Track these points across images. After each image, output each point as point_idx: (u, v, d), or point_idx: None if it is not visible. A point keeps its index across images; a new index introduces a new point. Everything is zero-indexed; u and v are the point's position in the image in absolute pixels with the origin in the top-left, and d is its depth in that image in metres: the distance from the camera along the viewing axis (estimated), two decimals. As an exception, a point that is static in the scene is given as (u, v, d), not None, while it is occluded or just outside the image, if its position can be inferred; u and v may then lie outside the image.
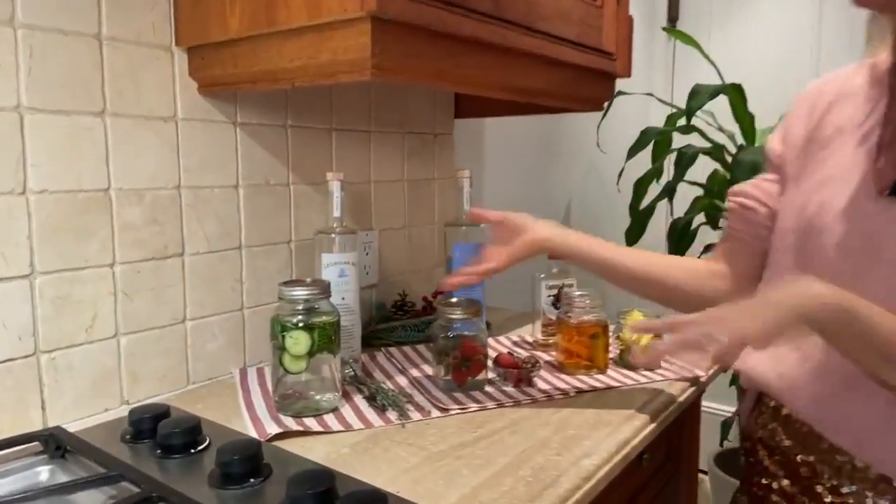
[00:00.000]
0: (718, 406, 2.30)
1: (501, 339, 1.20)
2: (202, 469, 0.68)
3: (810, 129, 0.80)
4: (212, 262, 0.97)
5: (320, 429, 0.80)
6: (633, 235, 1.95)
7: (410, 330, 1.16)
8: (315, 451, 0.74)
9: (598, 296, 1.03)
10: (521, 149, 1.84)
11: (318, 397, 0.85)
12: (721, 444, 1.94)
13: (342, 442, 0.77)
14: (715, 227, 1.89)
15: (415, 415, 0.85)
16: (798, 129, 0.81)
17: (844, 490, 0.68)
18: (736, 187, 0.88)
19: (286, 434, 0.78)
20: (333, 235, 0.98)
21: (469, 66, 0.89)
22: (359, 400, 0.90)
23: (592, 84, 1.17)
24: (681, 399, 0.94)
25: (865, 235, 0.69)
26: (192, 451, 0.72)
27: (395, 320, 1.19)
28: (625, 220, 1.97)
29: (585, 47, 1.09)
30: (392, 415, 0.84)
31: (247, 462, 0.65)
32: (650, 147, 1.90)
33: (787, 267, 0.76)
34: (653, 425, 0.85)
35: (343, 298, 0.97)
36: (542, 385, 0.95)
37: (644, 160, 1.94)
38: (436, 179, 1.40)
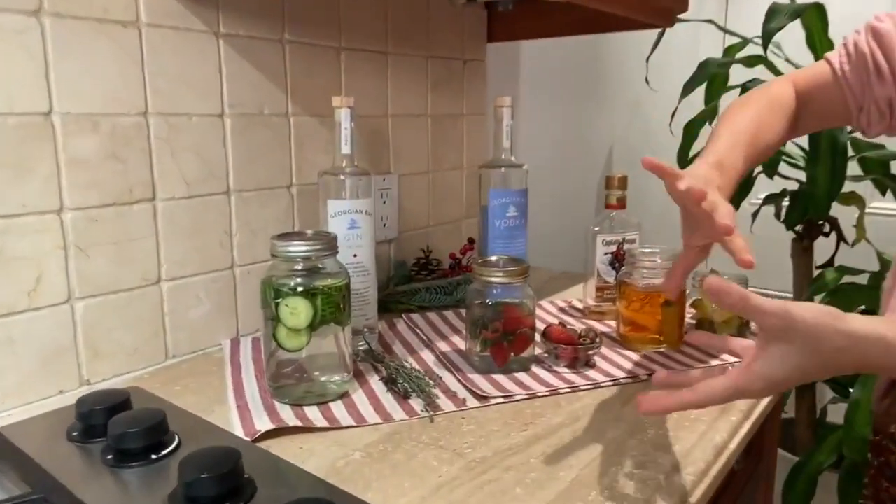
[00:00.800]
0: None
1: (545, 304, 1.01)
2: (164, 484, 0.50)
3: None
4: (193, 209, 0.78)
5: (325, 423, 0.62)
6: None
7: (436, 293, 0.97)
8: (317, 458, 0.57)
9: (670, 254, 0.82)
10: (558, 84, 1.61)
11: (323, 379, 0.67)
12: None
13: (353, 443, 0.59)
14: (772, 175, 1.66)
15: (446, 404, 0.66)
16: None
17: None
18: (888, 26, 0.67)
19: (281, 430, 0.60)
20: (342, 177, 0.78)
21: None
22: (374, 382, 0.72)
23: (665, -8, 0.94)
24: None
25: None
26: (154, 456, 0.54)
27: (418, 281, 1.00)
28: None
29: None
30: (416, 404, 0.66)
31: (220, 482, 0.47)
32: (702, 87, 1.65)
33: None
34: (749, 423, 0.66)
35: (355, 255, 0.78)
36: (603, 365, 0.76)
37: (695, 101, 1.70)
38: (465, 115, 1.18)
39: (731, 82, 1.66)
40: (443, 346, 0.82)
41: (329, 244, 0.67)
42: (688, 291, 0.84)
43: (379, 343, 0.83)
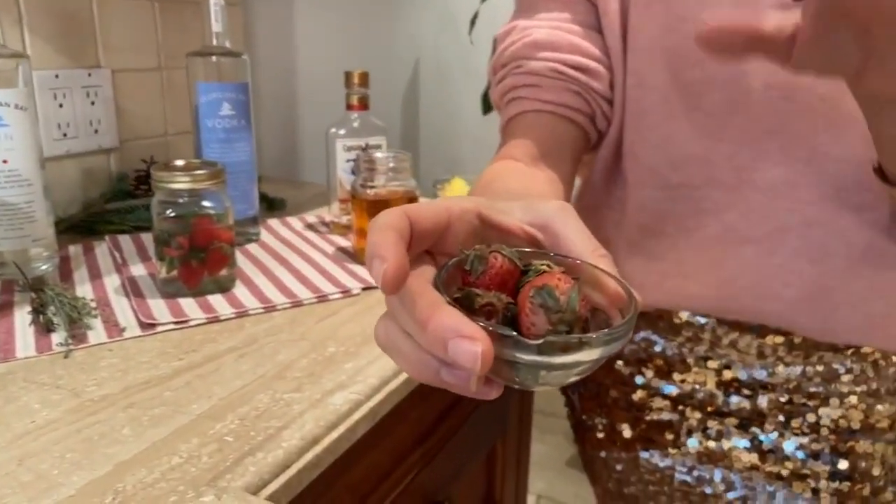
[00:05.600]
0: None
1: (292, 220, 0.91)
2: None
3: None
4: None
5: (-86, 368, 0.49)
6: (490, 101, 1.68)
7: (158, 210, 0.83)
8: None
9: (405, 158, 0.75)
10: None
11: (-61, 315, 0.53)
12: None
13: (-59, 389, 0.47)
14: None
15: (98, 335, 0.55)
16: None
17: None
18: (539, 36, 0.55)
19: None
20: (-24, 60, 0.61)
21: None
22: (21, 316, 0.59)
23: None
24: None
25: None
26: None
27: (139, 198, 0.86)
28: (485, 82, 1.68)
29: None
30: (57, 337, 0.55)
31: None
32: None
33: (682, 138, 0.52)
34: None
35: (6, 161, 0.63)
36: (317, 281, 0.69)
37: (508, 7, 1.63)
38: (210, 4, 1.02)
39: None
40: (139, 269, 0.70)
41: (-81, 141, 0.51)
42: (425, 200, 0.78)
43: (59, 270, 0.69)
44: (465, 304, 0.25)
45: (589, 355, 0.24)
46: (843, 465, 0.55)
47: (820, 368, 0.54)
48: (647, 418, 0.62)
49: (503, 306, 0.26)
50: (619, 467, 0.66)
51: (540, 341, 0.23)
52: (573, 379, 0.26)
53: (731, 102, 0.51)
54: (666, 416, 0.61)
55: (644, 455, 0.63)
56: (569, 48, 0.55)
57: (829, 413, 0.54)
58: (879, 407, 0.54)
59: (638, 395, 0.62)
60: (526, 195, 0.40)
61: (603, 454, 0.67)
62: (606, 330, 0.24)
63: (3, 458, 0.40)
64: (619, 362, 0.63)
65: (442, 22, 1.81)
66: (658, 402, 0.61)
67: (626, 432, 0.64)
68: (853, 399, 0.54)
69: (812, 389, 0.54)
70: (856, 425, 0.54)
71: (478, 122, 1.79)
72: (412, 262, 0.26)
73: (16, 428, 0.43)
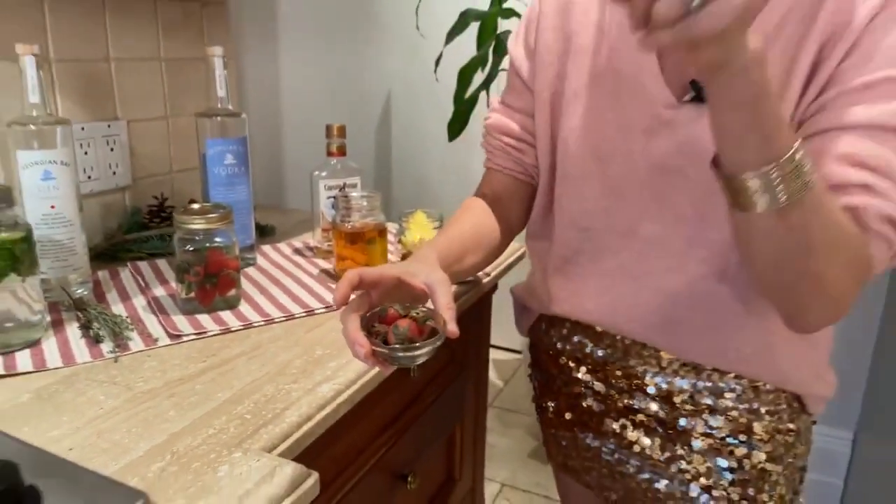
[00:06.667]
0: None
1: (281, 245, 1.07)
2: None
3: (568, 33, 0.71)
4: None
5: (2, 370, 0.65)
6: (455, 128, 1.85)
7: (169, 240, 0.99)
8: (-19, 403, 0.60)
9: (376, 197, 0.92)
10: (329, 25, 1.64)
11: (10, 330, 0.69)
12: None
13: (26, 386, 0.63)
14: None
15: (137, 344, 0.71)
16: (550, 32, 0.72)
17: (680, 381, 0.71)
18: (494, 120, 0.80)
19: (-47, 381, 0.62)
20: (33, 127, 0.77)
21: None
22: (73, 331, 0.74)
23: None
24: (459, 302, 0.88)
25: (683, 146, 0.63)
26: None
27: (152, 228, 1.02)
28: (450, 113, 1.86)
29: None
30: (106, 346, 0.71)
31: None
32: (478, 31, 1.77)
33: (593, 196, 0.71)
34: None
35: (53, 206, 0.79)
36: (304, 297, 0.85)
37: (472, 46, 1.81)
38: (207, 59, 1.18)
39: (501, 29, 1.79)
40: (160, 290, 0.86)
41: (1, 197, 0.67)
42: (395, 228, 0.95)
43: (94, 292, 0.85)
44: (371, 331, 0.56)
45: (413, 355, 0.54)
46: (730, 463, 0.69)
47: (709, 384, 0.69)
48: (582, 405, 0.79)
49: (385, 332, 0.56)
50: (563, 443, 0.83)
51: (391, 347, 0.54)
52: (418, 363, 0.55)
53: (627, 173, 0.69)
54: (595, 406, 0.78)
55: (581, 435, 0.80)
56: (510, 132, 0.78)
57: (716, 421, 0.69)
58: (756, 424, 0.68)
59: (574, 387, 0.79)
60: (447, 250, 0.67)
61: (553, 431, 0.85)
62: (414, 345, 0.54)
63: (85, 433, 0.56)
64: (563, 358, 0.80)
65: (410, 58, 1.99)
66: (589, 394, 0.78)
67: (567, 415, 0.81)
68: (734, 413, 0.69)
69: (703, 401, 0.70)
70: (741, 436, 0.69)
71: (443, 147, 1.97)
72: (361, 296, 0.56)
73: (89, 413, 0.59)
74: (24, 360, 0.67)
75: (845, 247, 0.53)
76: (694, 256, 0.66)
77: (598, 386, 0.77)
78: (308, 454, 0.60)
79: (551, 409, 0.84)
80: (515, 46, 0.77)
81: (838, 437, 1.80)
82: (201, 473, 0.51)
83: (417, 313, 0.58)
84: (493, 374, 2.44)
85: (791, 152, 0.47)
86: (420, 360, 0.56)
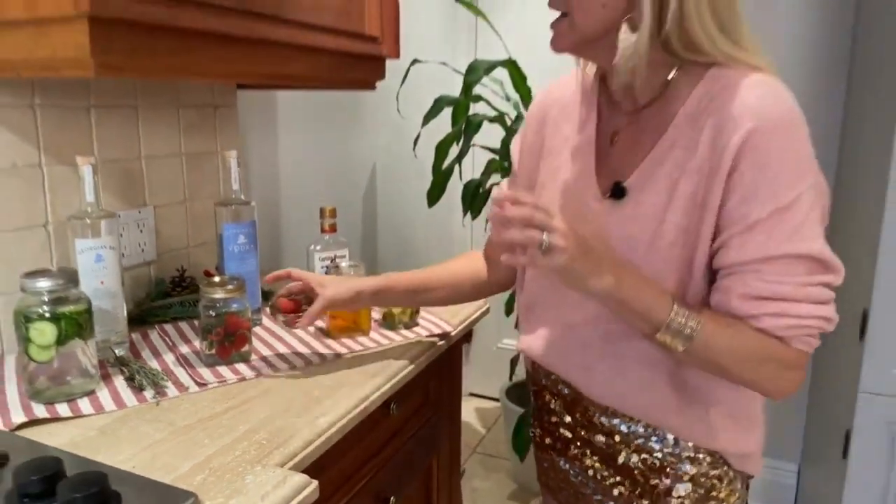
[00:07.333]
0: (509, 342, 2.58)
1: (283, 307, 1.28)
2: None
3: (543, 139, 0.93)
4: (-50, 252, 0.93)
5: (70, 414, 0.83)
6: (434, 195, 2.08)
7: (189, 305, 1.19)
8: (60, 437, 0.78)
9: (360, 266, 1.13)
10: (322, 114, 1.89)
11: (73, 383, 0.88)
12: (510, 378, 2.21)
13: (91, 425, 0.82)
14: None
15: (172, 391, 0.91)
16: (532, 137, 0.95)
17: (615, 421, 0.85)
18: (497, 193, 1.01)
19: (34, 422, 0.81)
20: (88, 221, 0.98)
21: (212, 59, 0.92)
22: (119, 382, 0.93)
23: (358, 67, 1.24)
24: (430, 351, 1.08)
25: (597, 233, 0.81)
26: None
27: (174, 296, 1.22)
28: (429, 182, 2.10)
29: (345, 33, 1.16)
30: (148, 393, 0.90)
31: (-27, 458, 0.67)
32: (451, 113, 2.02)
33: (540, 277, 0.92)
34: (394, 380, 0.98)
35: (102, 282, 0.99)
36: (302, 350, 1.05)
37: (448, 124, 2.06)
38: (219, 152, 1.41)
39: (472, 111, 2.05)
40: (184, 348, 1.06)
41: (69, 278, 0.87)
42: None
43: (130, 351, 1.04)
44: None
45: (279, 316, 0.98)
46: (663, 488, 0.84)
47: (640, 430, 0.84)
48: (557, 433, 0.95)
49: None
50: (545, 465, 0.99)
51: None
52: (281, 320, 0.99)
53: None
54: (566, 434, 0.93)
55: (556, 459, 0.96)
56: None
57: (647, 459, 0.84)
58: (681, 465, 0.83)
59: (552, 418, 0.95)
60: (408, 282, 0.99)
61: (539, 454, 1.01)
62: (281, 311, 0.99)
63: (143, 457, 0.75)
64: (545, 392, 0.95)
65: (393, 135, 2.25)
66: (562, 425, 0.93)
67: (548, 440, 0.98)
68: (659, 455, 0.83)
69: (636, 441, 0.85)
70: (667, 475, 0.84)
71: (425, 213, 2.20)
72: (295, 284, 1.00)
73: (142, 443, 0.78)
74: (85, 405, 0.86)
75: (765, 357, 0.71)
76: (605, 314, 0.85)
77: (567, 418, 0.92)
78: (308, 472, 0.79)
79: (538, 435, 1.01)
80: (514, 144, 0.99)
81: (784, 469, 1.98)
82: (233, 481, 0.70)
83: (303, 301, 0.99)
84: (475, 422, 2.61)
85: (669, 320, 0.71)
86: (281, 320, 0.98)
